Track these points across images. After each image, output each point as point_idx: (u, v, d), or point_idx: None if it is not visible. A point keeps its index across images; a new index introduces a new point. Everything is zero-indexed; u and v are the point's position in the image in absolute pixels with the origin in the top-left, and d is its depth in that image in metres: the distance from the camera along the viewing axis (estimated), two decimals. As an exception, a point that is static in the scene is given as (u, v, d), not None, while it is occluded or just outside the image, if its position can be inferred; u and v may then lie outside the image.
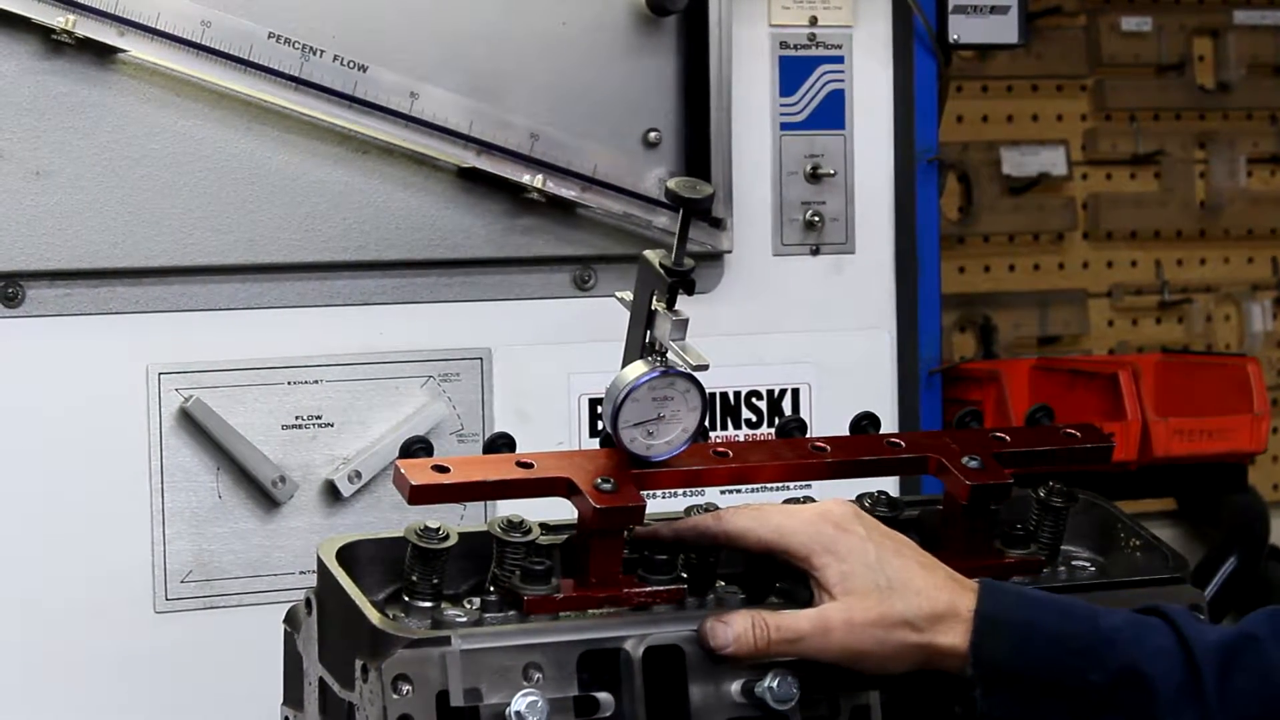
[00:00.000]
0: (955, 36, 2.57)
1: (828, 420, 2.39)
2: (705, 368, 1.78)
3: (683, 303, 1.79)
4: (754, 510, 1.78)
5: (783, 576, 1.82)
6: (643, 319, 1.81)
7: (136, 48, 2.16)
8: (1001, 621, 1.73)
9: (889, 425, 1.97)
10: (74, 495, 2.19)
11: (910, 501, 1.97)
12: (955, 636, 1.73)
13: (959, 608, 1.73)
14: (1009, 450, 1.92)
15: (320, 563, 1.80)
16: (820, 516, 1.76)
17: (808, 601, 1.76)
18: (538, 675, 1.69)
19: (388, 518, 2.29)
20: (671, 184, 1.81)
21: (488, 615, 1.77)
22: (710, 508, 1.87)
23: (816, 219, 2.49)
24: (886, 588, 1.73)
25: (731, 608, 1.79)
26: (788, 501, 1.87)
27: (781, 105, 2.48)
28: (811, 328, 2.49)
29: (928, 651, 1.73)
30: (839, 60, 2.51)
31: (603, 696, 1.72)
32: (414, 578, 1.79)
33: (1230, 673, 1.71)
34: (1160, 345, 3.44)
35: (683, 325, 1.78)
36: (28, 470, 2.18)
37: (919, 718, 1.82)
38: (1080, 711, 1.71)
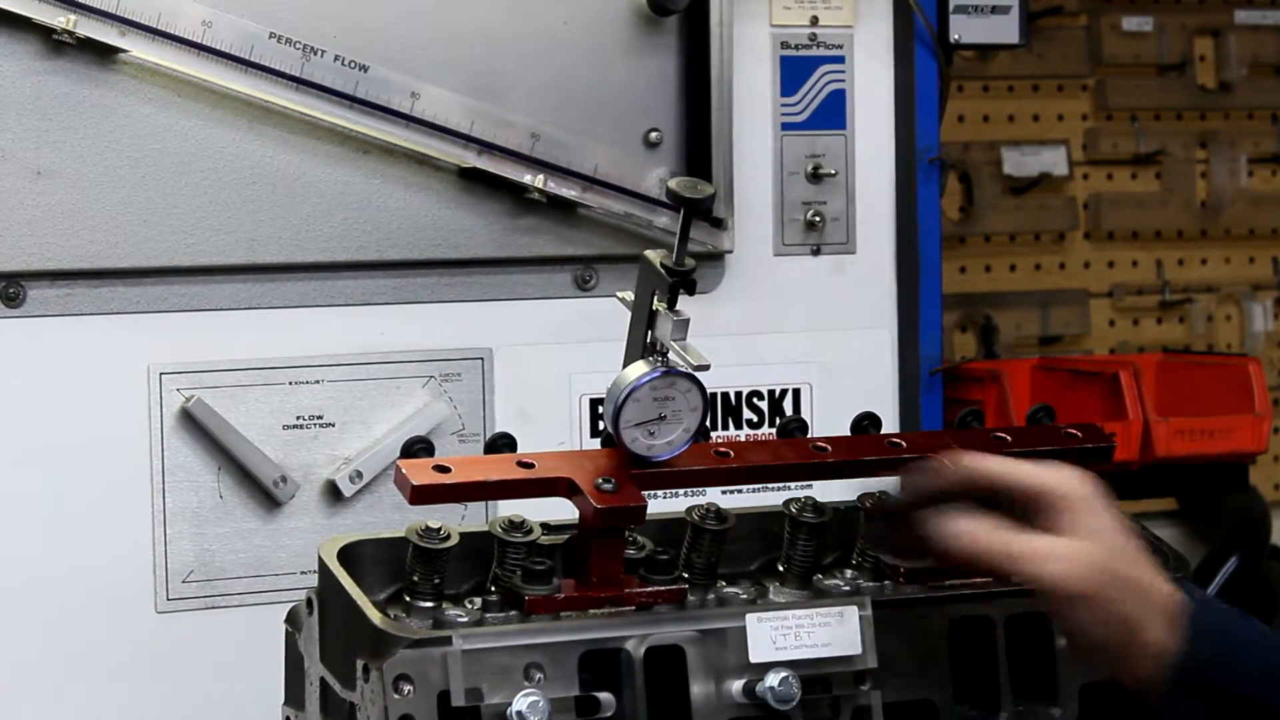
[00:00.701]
0: (956, 36, 2.57)
1: (829, 420, 2.40)
2: (706, 368, 1.78)
3: (684, 303, 1.79)
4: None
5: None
6: (644, 319, 1.81)
7: (137, 48, 2.16)
8: (1214, 628, 1.70)
9: (890, 425, 1.97)
10: (75, 495, 2.19)
11: (911, 501, 1.97)
12: (1163, 632, 1.68)
13: (1171, 604, 1.70)
14: (1010, 450, 1.92)
15: (321, 563, 1.80)
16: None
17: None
18: (539, 675, 1.69)
19: (389, 518, 2.29)
20: (672, 184, 1.81)
21: (489, 615, 1.77)
22: (713, 508, 1.87)
23: (817, 219, 2.49)
24: (1123, 549, 1.70)
25: (734, 607, 1.80)
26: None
27: (782, 105, 2.48)
28: (812, 328, 2.49)
29: (1133, 632, 1.68)
30: (840, 60, 2.51)
31: (604, 696, 1.72)
32: (415, 578, 1.79)
33: None
34: (1161, 345, 3.43)
35: (684, 325, 1.78)
36: (29, 470, 2.18)
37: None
38: None
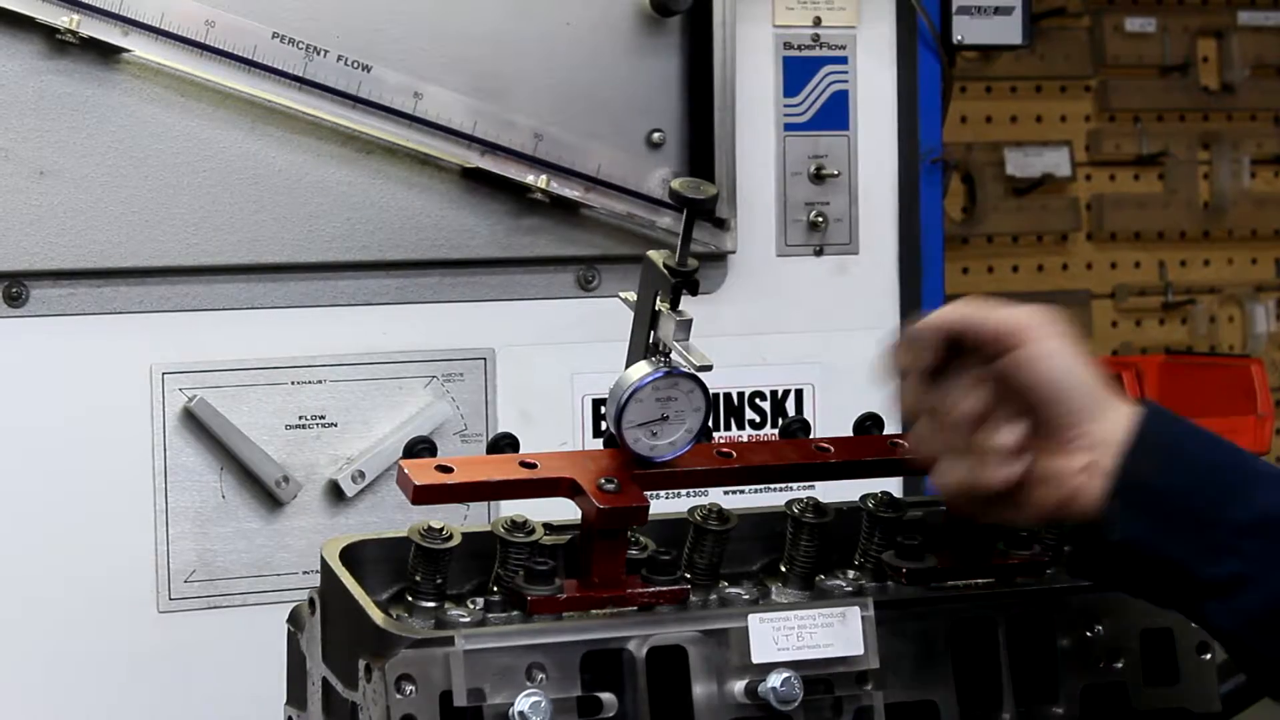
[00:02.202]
0: (959, 37, 2.57)
1: (831, 421, 2.40)
2: (709, 368, 1.78)
3: (686, 303, 1.79)
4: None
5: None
6: (646, 319, 1.81)
7: (140, 47, 2.16)
8: (1158, 437, 1.69)
9: (893, 426, 1.97)
10: (77, 495, 2.19)
11: (914, 502, 1.97)
12: (1118, 410, 1.69)
13: (1122, 412, 1.70)
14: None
15: (324, 563, 1.80)
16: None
17: None
18: (541, 675, 1.69)
19: (391, 518, 2.29)
20: (675, 184, 1.81)
21: (491, 615, 1.77)
22: (715, 508, 1.87)
23: (820, 219, 2.49)
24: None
25: (736, 608, 1.80)
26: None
27: (785, 106, 2.48)
28: (815, 328, 2.49)
29: (1095, 383, 1.69)
30: (843, 61, 2.51)
31: (606, 697, 1.72)
32: (417, 578, 1.79)
33: None
34: (1164, 346, 3.44)
35: (686, 326, 1.78)
36: (31, 470, 2.18)
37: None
38: (1206, 548, 1.66)
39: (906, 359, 1.76)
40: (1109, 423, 1.69)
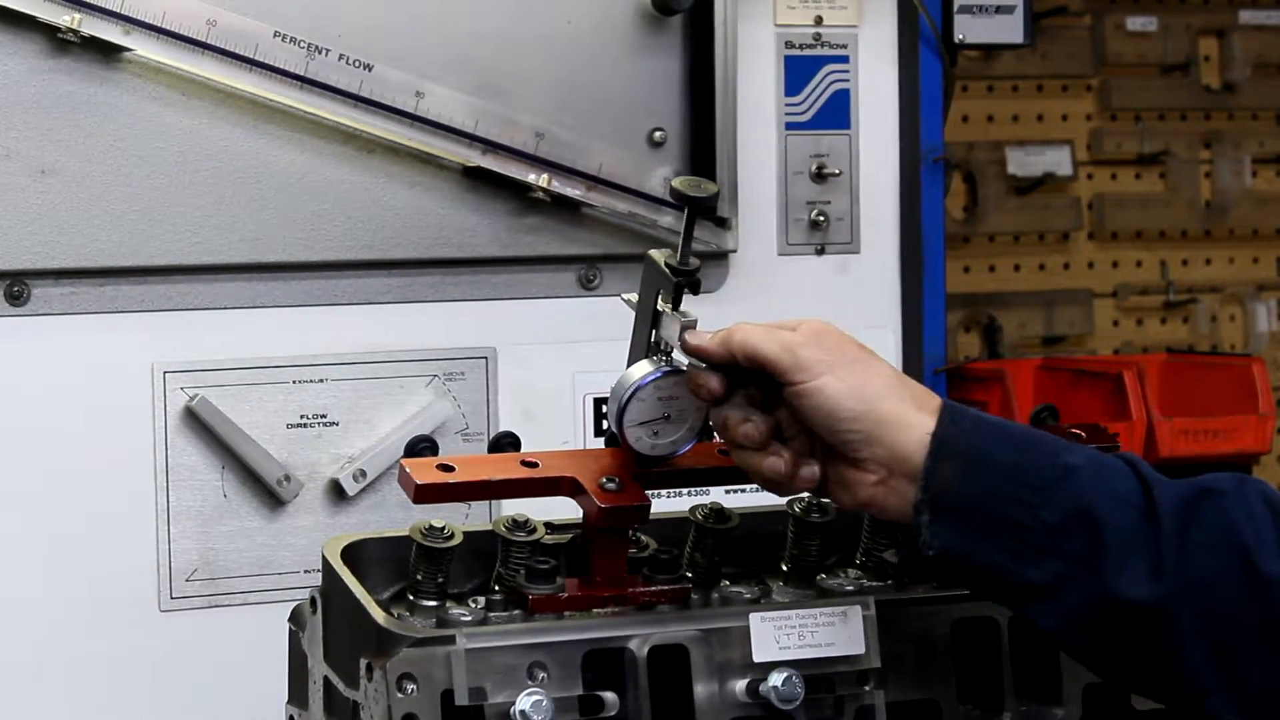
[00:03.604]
0: (961, 36, 2.57)
1: (833, 420, 2.39)
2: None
3: (688, 302, 1.79)
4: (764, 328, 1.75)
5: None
6: (648, 318, 1.81)
7: (142, 46, 2.16)
8: (957, 445, 1.68)
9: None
10: (79, 494, 2.19)
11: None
12: (922, 413, 1.69)
13: (916, 421, 1.69)
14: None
15: (325, 562, 1.80)
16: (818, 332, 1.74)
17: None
18: (542, 674, 1.69)
19: (393, 517, 2.29)
20: (676, 183, 1.81)
21: (492, 614, 1.77)
22: (716, 507, 1.87)
23: (821, 218, 2.49)
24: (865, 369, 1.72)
25: (737, 607, 1.80)
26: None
27: (787, 105, 2.48)
28: (816, 327, 2.48)
29: (882, 438, 1.68)
30: (844, 60, 2.51)
31: (607, 696, 1.72)
32: (419, 577, 1.79)
33: (1189, 525, 1.64)
34: (1165, 345, 3.43)
35: (691, 327, 1.77)
36: (33, 469, 2.18)
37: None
38: (1022, 551, 1.65)
39: (698, 390, 1.76)
40: (899, 445, 1.68)
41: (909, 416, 1.69)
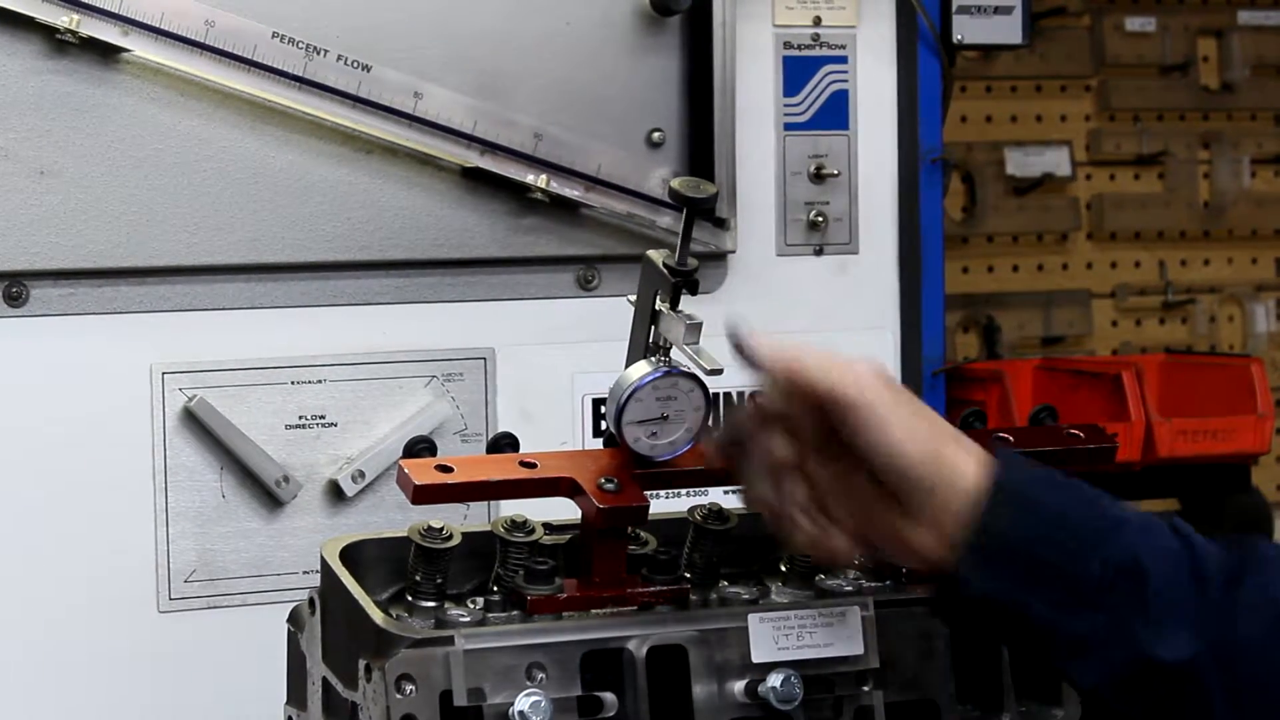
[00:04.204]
0: (959, 37, 2.57)
1: (831, 420, 2.39)
2: (719, 372, 1.77)
3: (686, 302, 1.79)
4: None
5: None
6: (646, 319, 1.81)
7: (140, 47, 2.16)
8: (1011, 490, 1.64)
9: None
10: (78, 495, 2.19)
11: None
12: (974, 465, 1.64)
13: (973, 466, 1.65)
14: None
15: (324, 562, 1.80)
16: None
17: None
18: (541, 675, 1.69)
19: (391, 517, 2.29)
20: (675, 184, 1.81)
21: (491, 615, 1.77)
22: (715, 507, 1.87)
23: (820, 219, 2.49)
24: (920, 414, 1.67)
25: (736, 607, 1.79)
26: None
27: (785, 105, 2.48)
28: (815, 328, 2.49)
29: (941, 445, 1.64)
30: (843, 60, 2.51)
31: (606, 696, 1.72)
32: (417, 577, 1.79)
33: (1236, 585, 1.62)
34: (1164, 346, 3.44)
35: (696, 329, 1.77)
36: (31, 470, 2.18)
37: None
38: (1067, 601, 1.62)
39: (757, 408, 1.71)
40: (955, 490, 1.64)
41: (962, 455, 1.66)
